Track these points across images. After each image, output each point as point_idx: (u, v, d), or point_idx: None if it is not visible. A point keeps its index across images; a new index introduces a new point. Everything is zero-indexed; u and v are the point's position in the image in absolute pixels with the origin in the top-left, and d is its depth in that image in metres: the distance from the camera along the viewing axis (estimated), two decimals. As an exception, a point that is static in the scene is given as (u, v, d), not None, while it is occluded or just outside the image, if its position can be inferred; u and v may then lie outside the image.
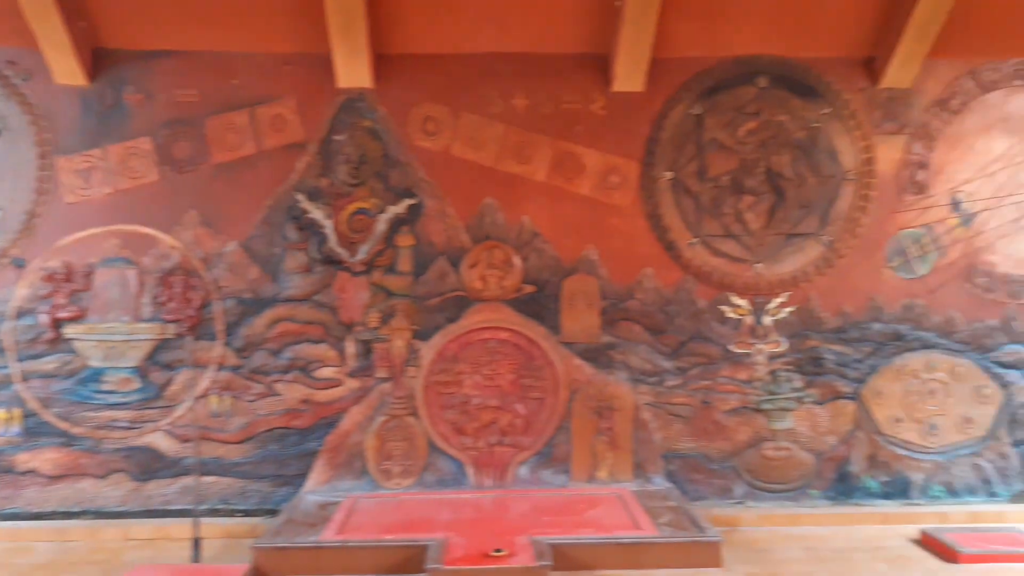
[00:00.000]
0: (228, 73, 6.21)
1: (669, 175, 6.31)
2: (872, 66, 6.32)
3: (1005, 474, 6.36)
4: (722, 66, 6.29)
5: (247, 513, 6.02)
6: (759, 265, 6.32)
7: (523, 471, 6.17)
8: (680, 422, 6.28)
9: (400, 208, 6.19)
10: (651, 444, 6.24)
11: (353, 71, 6.08)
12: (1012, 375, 6.37)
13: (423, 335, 6.18)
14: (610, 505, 5.69)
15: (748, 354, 6.32)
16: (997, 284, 6.38)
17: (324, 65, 6.09)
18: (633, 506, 5.61)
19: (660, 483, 6.17)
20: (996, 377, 6.37)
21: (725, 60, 6.29)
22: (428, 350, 6.17)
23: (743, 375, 6.31)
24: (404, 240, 6.19)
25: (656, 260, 6.34)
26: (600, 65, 6.27)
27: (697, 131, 6.32)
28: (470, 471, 6.15)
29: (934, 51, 6.11)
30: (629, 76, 6.16)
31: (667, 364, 6.30)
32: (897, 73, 6.19)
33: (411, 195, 6.21)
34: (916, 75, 6.24)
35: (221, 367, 6.13)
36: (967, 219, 6.36)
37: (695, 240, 6.33)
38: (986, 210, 6.36)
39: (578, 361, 6.25)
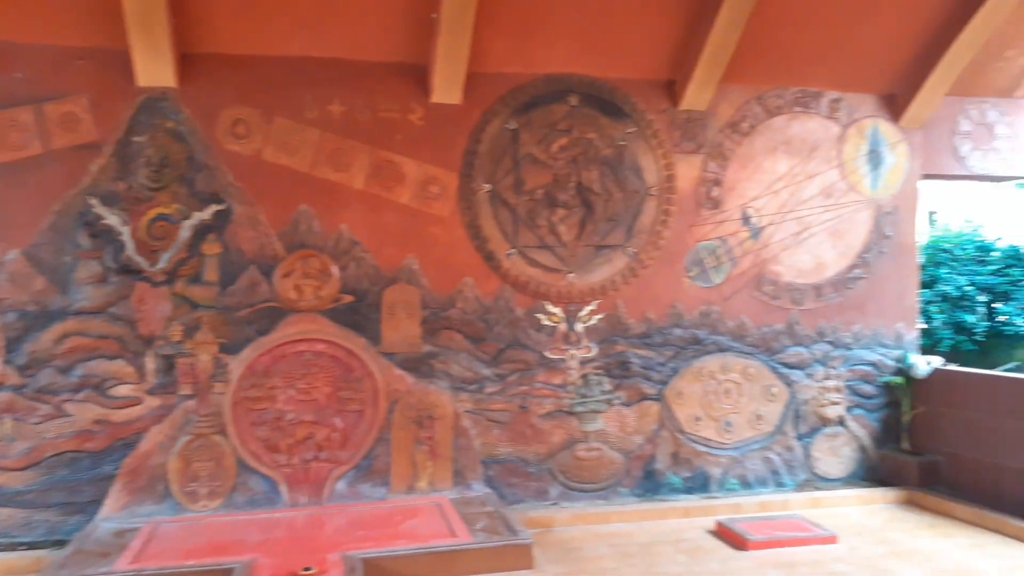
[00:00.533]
0: (10, 65, 5.63)
1: (487, 187, 6.44)
2: (673, 89, 6.76)
3: (791, 465, 7.00)
4: (536, 83, 6.50)
5: (31, 546, 5.47)
6: (572, 275, 6.58)
7: (341, 486, 6.05)
8: (499, 428, 6.41)
9: (206, 214, 5.89)
10: (471, 451, 6.33)
11: (154, 69, 5.72)
12: (796, 374, 7.03)
13: (232, 349, 5.90)
14: (428, 515, 5.69)
15: (562, 360, 6.55)
16: (782, 292, 7.03)
17: (122, 61, 5.69)
18: (451, 514, 5.65)
19: (479, 489, 6.25)
20: (782, 377, 7.00)
21: (539, 77, 6.50)
22: (237, 364, 5.90)
23: (557, 380, 6.54)
24: (211, 248, 5.89)
25: (476, 270, 6.43)
26: (418, 75, 6.29)
27: (513, 145, 6.49)
28: (284, 489, 5.94)
29: (727, 77, 6.62)
30: (446, 88, 6.22)
31: (487, 371, 6.41)
32: (694, 96, 6.66)
33: (219, 201, 5.92)
34: (711, 99, 6.74)
35: (1, 387, 5.56)
36: (756, 232, 6.96)
37: (512, 251, 6.49)
38: (771, 224, 6.99)
39: (399, 371, 6.22)
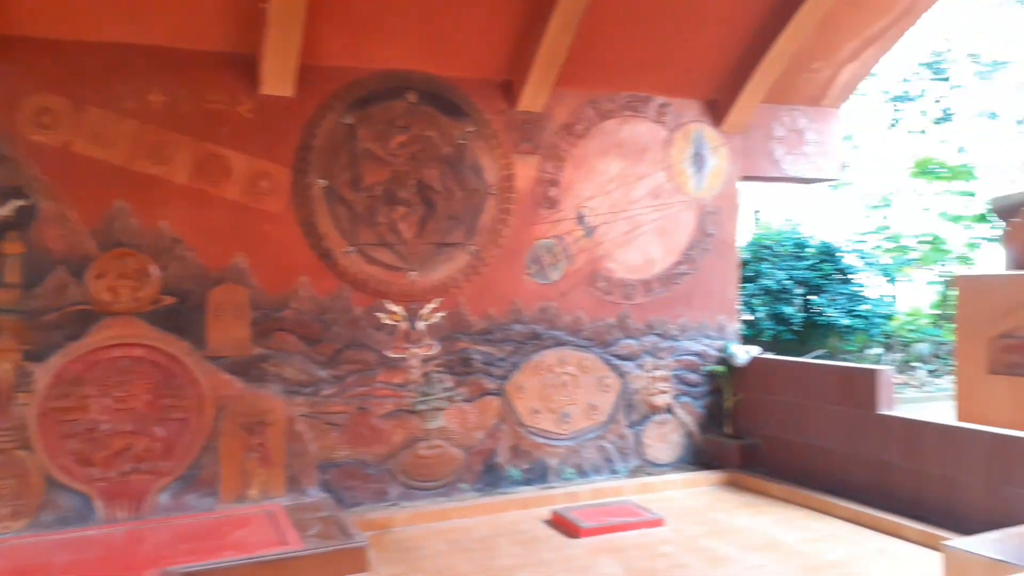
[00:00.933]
0: None
1: (323, 183, 6.28)
2: (510, 90, 6.86)
3: (624, 452, 7.32)
4: (373, 78, 6.40)
5: None
6: (413, 273, 6.55)
7: (164, 498, 5.72)
8: (336, 430, 6.28)
9: (6, 211, 5.36)
10: (306, 456, 6.16)
11: (-60, 49, 5.18)
12: (627, 366, 7.35)
13: (37, 356, 5.42)
14: (259, 524, 5.50)
15: (403, 358, 6.51)
16: (614, 287, 7.32)
17: (-101, 39, 5.12)
18: (283, 521, 5.48)
19: (315, 494, 6.11)
20: (615, 368, 7.30)
21: (376, 73, 6.40)
22: (44, 373, 5.43)
23: (398, 379, 6.49)
24: (12, 247, 5.37)
25: (312, 268, 6.26)
26: (247, 66, 6.02)
27: (350, 141, 6.36)
28: (99, 505, 5.55)
29: (561, 81, 6.79)
30: (277, 80, 6.00)
31: (323, 373, 6.26)
32: (531, 98, 6.79)
33: (21, 196, 5.42)
34: (546, 101, 6.89)
35: None
36: (590, 231, 7.21)
37: (351, 249, 6.37)
38: (604, 223, 7.26)
39: (226, 376, 5.95)
